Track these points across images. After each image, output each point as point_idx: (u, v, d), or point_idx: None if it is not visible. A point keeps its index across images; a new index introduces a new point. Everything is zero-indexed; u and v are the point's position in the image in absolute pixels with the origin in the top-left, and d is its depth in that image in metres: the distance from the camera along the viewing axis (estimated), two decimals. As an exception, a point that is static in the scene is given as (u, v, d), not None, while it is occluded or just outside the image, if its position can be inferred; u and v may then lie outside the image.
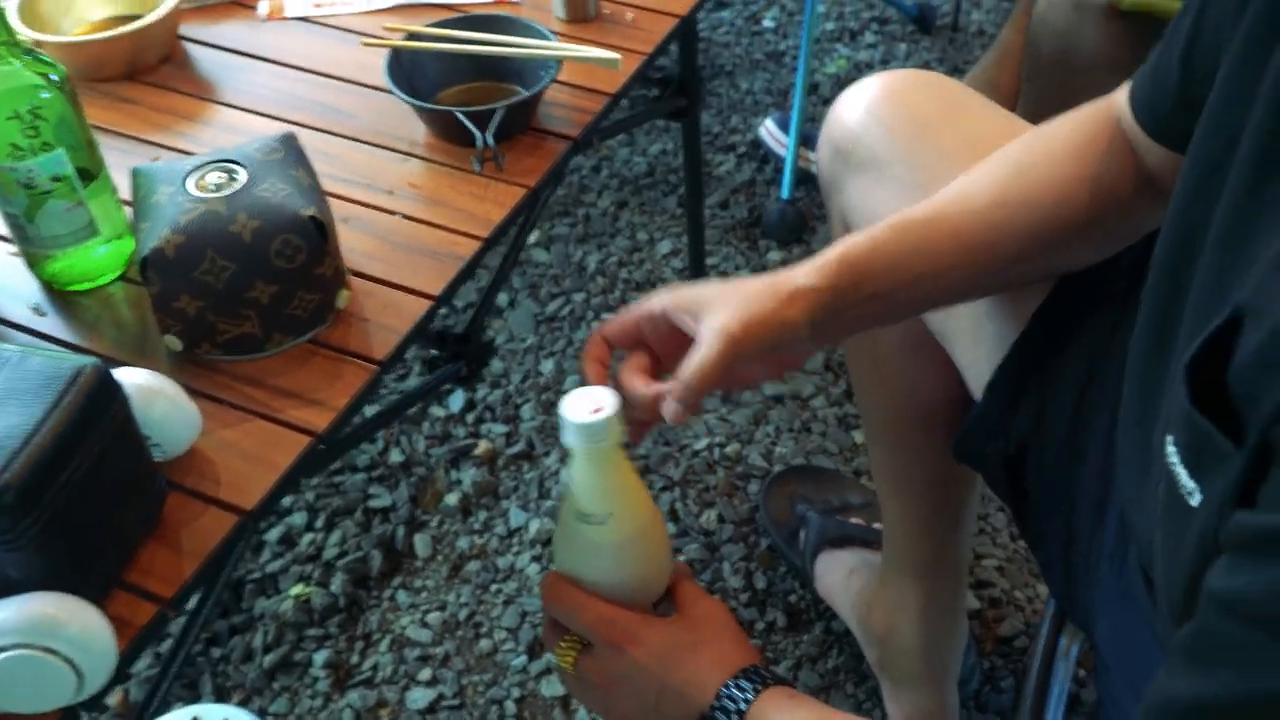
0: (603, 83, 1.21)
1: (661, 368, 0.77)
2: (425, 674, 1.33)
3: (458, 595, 1.40)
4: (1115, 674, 0.76)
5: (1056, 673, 0.96)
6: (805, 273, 0.74)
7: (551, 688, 1.32)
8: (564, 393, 1.62)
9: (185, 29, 1.30)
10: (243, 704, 1.30)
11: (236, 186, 0.91)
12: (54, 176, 0.92)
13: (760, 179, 1.95)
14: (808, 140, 1.82)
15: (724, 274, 1.79)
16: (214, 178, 0.92)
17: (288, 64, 1.25)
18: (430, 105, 1.14)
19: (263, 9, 1.33)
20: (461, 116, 1.09)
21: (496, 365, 1.65)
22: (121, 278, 1.02)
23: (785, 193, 1.84)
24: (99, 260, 1.00)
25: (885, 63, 2.18)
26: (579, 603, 0.70)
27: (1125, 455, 0.68)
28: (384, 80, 1.14)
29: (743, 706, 0.66)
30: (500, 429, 1.57)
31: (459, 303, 1.68)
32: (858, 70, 2.15)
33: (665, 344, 0.76)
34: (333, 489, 1.51)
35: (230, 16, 1.32)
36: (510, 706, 1.30)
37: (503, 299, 1.75)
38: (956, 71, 2.10)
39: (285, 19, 1.32)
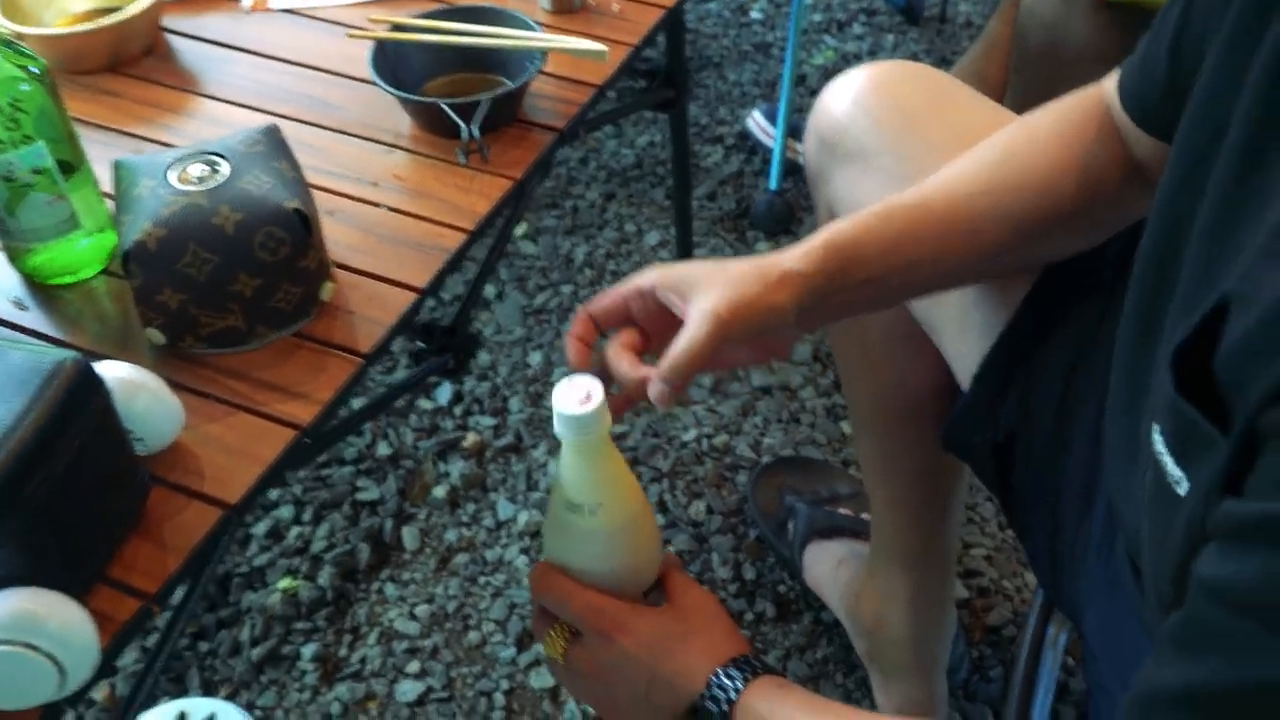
0: (589, 74, 1.21)
1: (649, 344, 0.76)
2: (414, 666, 1.33)
3: (446, 588, 1.40)
4: (1103, 663, 0.76)
5: (1045, 661, 0.96)
6: (793, 257, 0.74)
7: (540, 679, 1.31)
8: (552, 385, 1.61)
9: (168, 21, 1.29)
10: (230, 698, 1.29)
11: (219, 179, 0.91)
12: (34, 169, 0.92)
13: (748, 170, 1.95)
14: (795, 131, 1.82)
15: (712, 265, 1.78)
16: (196, 170, 0.92)
17: (271, 56, 1.25)
18: (415, 97, 1.14)
19: (246, 1, 1.32)
20: (446, 108, 1.09)
21: (484, 357, 1.65)
22: (104, 271, 1.01)
23: (773, 184, 1.83)
24: (81, 253, 0.99)
25: (873, 54, 2.17)
26: (568, 592, 0.70)
27: (1112, 445, 0.68)
28: (368, 72, 1.14)
29: (732, 696, 0.66)
30: (488, 421, 1.57)
31: (446, 295, 1.68)
32: (845, 61, 2.15)
33: (653, 322, 0.76)
34: (320, 482, 1.50)
35: (213, 8, 1.31)
36: (499, 698, 1.30)
37: (490, 291, 1.74)
38: (944, 63, 2.10)
39: (269, 10, 1.31)
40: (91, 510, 0.78)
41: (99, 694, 1.28)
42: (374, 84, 1.13)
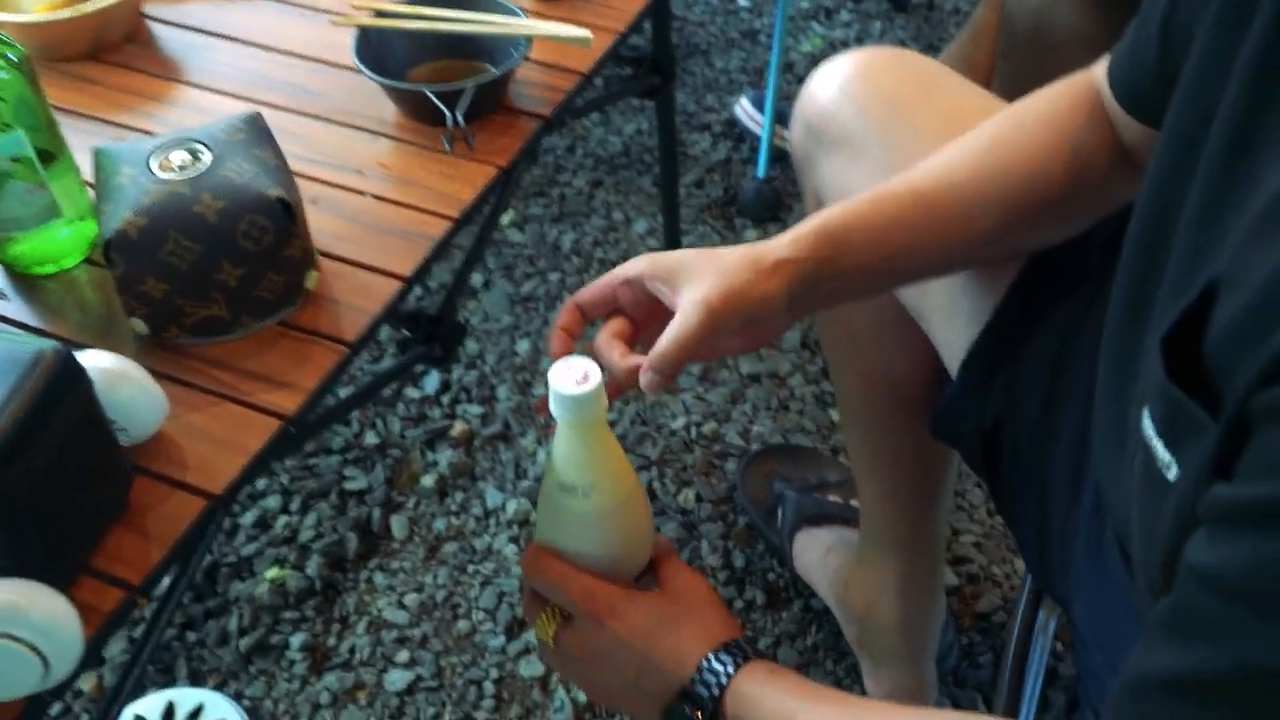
0: (574, 61, 1.20)
1: (637, 334, 0.76)
2: (403, 656, 1.33)
3: (435, 577, 1.40)
4: (1093, 649, 0.76)
5: (1035, 648, 0.97)
6: (783, 244, 0.73)
7: (530, 668, 1.31)
8: (540, 373, 1.61)
9: (149, 8, 1.28)
10: (219, 688, 1.29)
11: (201, 167, 0.90)
12: (13, 157, 0.91)
13: (736, 158, 1.95)
14: (783, 119, 1.81)
15: (700, 253, 1.78)
16: (178, 158, 0.91)
17: (254, 43, 1.24)
18: (399, 84, 1.13)
19: (229, -14, 1.30)
20: (431, 95, 1.08)
21: (472, 346, 1.64)
22: (85, 260, 1.00)
23: (761, 171, 1.83)
24: (62, 243, 0.98)
25: (860, 40, 2.17)
26: (560, 574, 0.70)
27: (1101, 431, 0.68)
28: (352, 59, 1.13)
29: (723, 681, 0.66)
30: (476, 410, 1.57)
31: (433, 284, 1.67)
32: (833, 48, 2.14)
33: (640, 311, 0.75)
34: (307, 472, 1.50)
35: (196, -6, 1.30)
36: (489, 687, 1.30)
37: (477, 280, 1.74)
38: (931, 49, 2.10)
39: (252, -3, 1.30)
40: (74, 501, 0.77)
41: (86, 685, 1.28)
42: (358, 71, 1.12)
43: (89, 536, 0.80)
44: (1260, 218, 0.46)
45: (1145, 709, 0.46)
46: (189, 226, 0.87)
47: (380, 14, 1.16)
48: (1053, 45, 1.39)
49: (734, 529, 1.44)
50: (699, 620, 0.69)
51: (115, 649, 1.29)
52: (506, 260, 1.77)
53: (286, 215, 0.90)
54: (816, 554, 1.31)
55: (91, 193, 0.97)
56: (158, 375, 0.86)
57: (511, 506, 1.46)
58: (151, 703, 1.20)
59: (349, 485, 1.48)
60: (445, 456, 1.51)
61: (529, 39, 1.14)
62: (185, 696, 1.22)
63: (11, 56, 0.89)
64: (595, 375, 0.64)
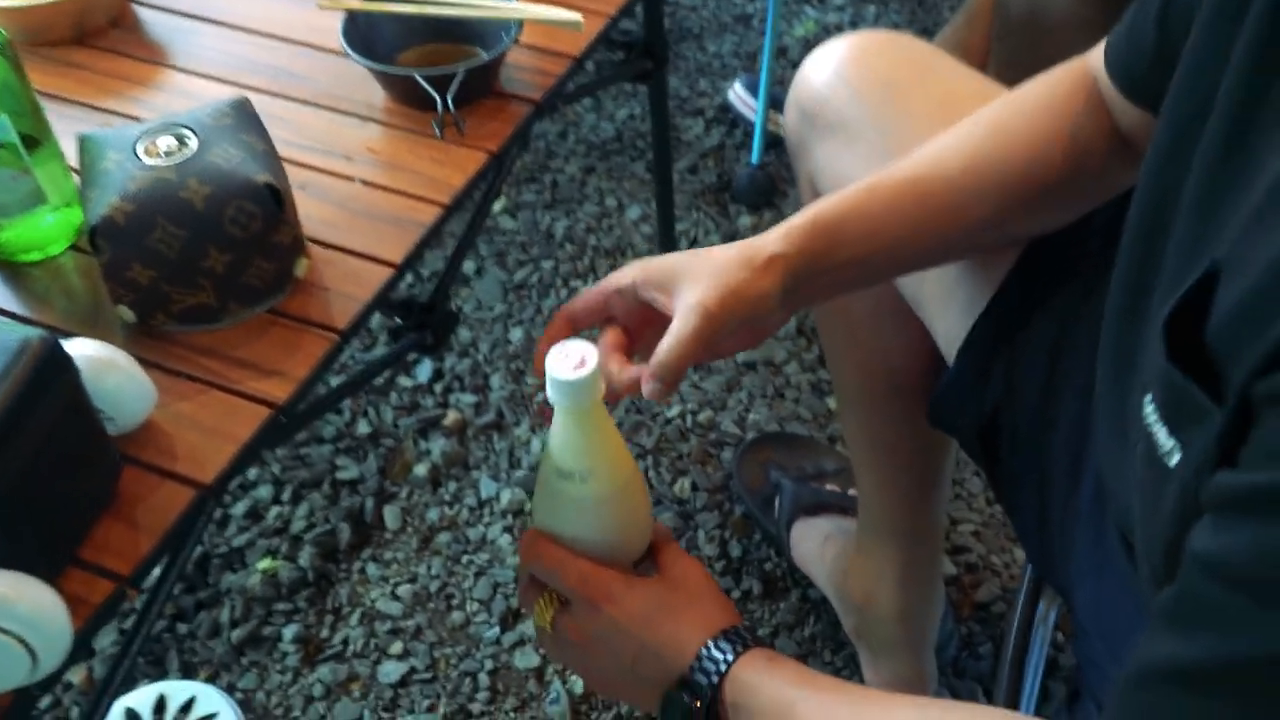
0: (565, 45, 1.19)
1: (633, 344, 0.76)
2: (397, 647, 1.32)
3: (429, 567, 1.39)
4: (1094, 638, 0.76)
5: (1035, 638, 0.96)
6: (775, 239, 0.73)
7: (525, 659, 1.31)
8: (534, 362, 1.60)
9: (135, -8, 1.26)
10: (210, 680, 1.28)
11: (188, 153, 0.89)
12: (-3, 143, 0.89)
13: (729, 143, 1.93)
14: (777, 103, 1.80)
15: (694, 240, 1.78)
16: (164, 144, 0.90)
17: (241, 27, 1.22)
18: (388, 68, 1.12)
19: (216, -29, 1.29)
20: (421, 79, 1.07)
21: (465, 334, 1.63)
22: (72, 247, 0.99)
23: (755, 157, 1.82)
24: (47, 229, 0.97)
25: (854, 24, 2.16)
26: (558, 560, 0.69)
27: (1102, 418, 0.68)
28: (340, 43, 1.11)
29: (721, 669, 0.65)
30: (469, 399, 1.56)
31: (425, 271, 1.66)
32: (826, 33, 2.13)
33: (634, 319, 0.75)
34: (299, 461, 1.49)
35: (182, -22, 1.28)
36: (484, 679, 1.29)
37: (470, 267, 1.72)
38: (926, 34, 2.09)
39: (239, -19, 1.28)
40: (62, 491, 0.76)
41: (76, 677, 1.27)
42: (346, 55, 1.11)
43: (77, 527, 0.79)
44: (1260, 205, 0.46)
45: (1149, 699, 0.45)
46: (176, 213, 0.86)
47: (369, -3, 1.15)
48: (1048, 28, 1.38)
49: (730, 518, 1.43)
50: (698, 607, 0.69)
51: (105, 641, 1.28)
52: (499, 247, 1.76)
53: (275, 201, 0.89)
54: (814, 544, 1.31)
55: (77, 179, 0.96)
56: (145, 363, 0.85)
57: (506, 496, 1.45)
58: (142, 695, 1.19)
59: (341, 475, 1.47)
60: (438, 446, 1.50)
61: (520, 22, 1.13)
62: (176, 689, 1.21)
63: (-7, 40, 0.88)
64: (592, 359, 0.63)
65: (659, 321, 0.71)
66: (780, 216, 1.76)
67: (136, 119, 1.10)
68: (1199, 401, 0.46)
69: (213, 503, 0.84)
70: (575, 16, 1.11)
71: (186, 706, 1.19)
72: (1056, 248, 0.82)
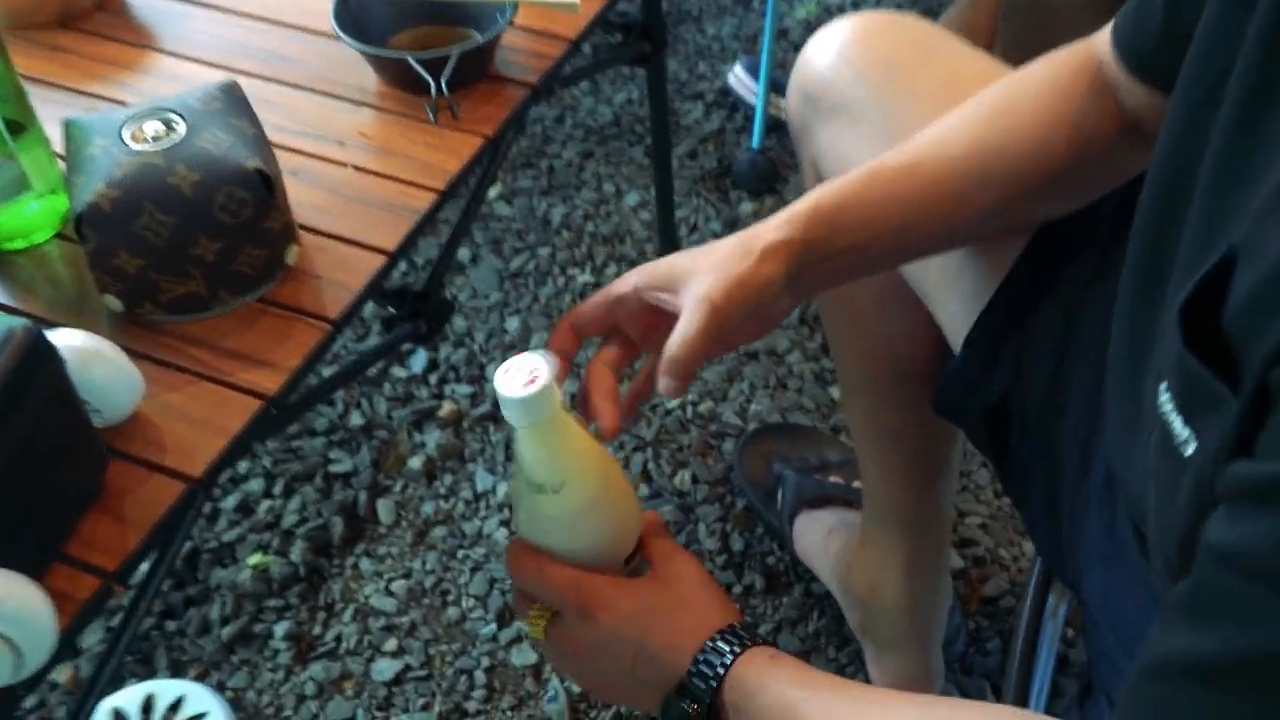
0: (562, 27, 1.17)
1: (635, 354, 0.75)
2: (391, 644, 1.30)
3: (423, 562, 1.37)
4: (1105, 631, 0.75)
5: (1044, 633, 0.95)
6: (776, 226, 0.72)
7: (522, 656, 1.29)
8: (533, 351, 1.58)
9: (122, -26, 1.24)
10: (200, 679, 1.26)
11: (176, 138, 0.87)
12: (-21, 128, 0.87)
13: (730, 127, 1.92)
14: (778, 87, 1.79)
15: (694, 226, 1.76)
16: (151, 129, 0.88)
17: (230, 9, 1.21)
18: (381, 51, 1.10)
19: (205, -47, 1.27)
20: (414, 62, 1.05)
21: (460, 323, 1.61)
22: (57, 235, 0.97)
23: (755, 141, 1.80)
24: (31, 217, 0.95)
25: (856, 6, 2.14)
26: (544, 571, 0.68)
27: (1115, 407, 0.67)
28: (331, 25, 1.09)
29: (720, 670, 0.64)
30: (465, 390, 1.54)
31: (419, 259, 1.64)
32: (828, 14, 2.11)
33: (638, 324, 0.74)
34: (291, 454, 1.47)
35: (170, -40, 1.26)
36: (480, 676, 1.27)
37: (465, 255, 1.71)
38: (930, 14, 2.06)
39: (229, -37, 1.26)
40: (47, 484, 0.75)
41: (61, 676, 1.25)
42: (337, 38, 1.09)
43: (63, 522, 0.77)
44: (1277, 188, 0.45)
45: (1164, 693, 0.44)
46: (163, 199, 0.84)
47: (362, -21, 1.13)
48: (1054, 8, 1.37)
49: (732, 511, 1.41)
50: (695, 606, 0.67)
51: (92, 639, 1.27)
52: (494, 234, 1.74)
53: (265, 187, 0.87)
54: (818, 537, 1.29)
55: (62, 165, 0.94)
56: (133, 354, 0.83)
57: (502, 489, 1.43)
58: (130, 695, 1.18)
59: (334, 468, 1.45)
60: (433, 438, 1.49)
61: (515, 4, 1.11)
62: (165, 688, 1.19)
63: (-26, 22, 0.86)
64: (544, 372, 0.61)
65: (666, 323, 0.70)
66: (782, 202, 1.75)
67: (123, 104, 1.09)
68: (1215, 389, 0.45)
69: (202, 496, 0.82)
70: (573, -2, 1.10)
71: (175, 706, 1.17)
72: (1066, 233, 0.81)
